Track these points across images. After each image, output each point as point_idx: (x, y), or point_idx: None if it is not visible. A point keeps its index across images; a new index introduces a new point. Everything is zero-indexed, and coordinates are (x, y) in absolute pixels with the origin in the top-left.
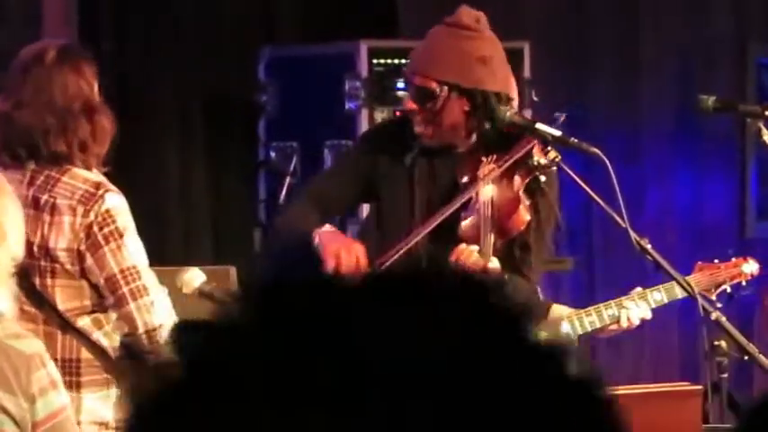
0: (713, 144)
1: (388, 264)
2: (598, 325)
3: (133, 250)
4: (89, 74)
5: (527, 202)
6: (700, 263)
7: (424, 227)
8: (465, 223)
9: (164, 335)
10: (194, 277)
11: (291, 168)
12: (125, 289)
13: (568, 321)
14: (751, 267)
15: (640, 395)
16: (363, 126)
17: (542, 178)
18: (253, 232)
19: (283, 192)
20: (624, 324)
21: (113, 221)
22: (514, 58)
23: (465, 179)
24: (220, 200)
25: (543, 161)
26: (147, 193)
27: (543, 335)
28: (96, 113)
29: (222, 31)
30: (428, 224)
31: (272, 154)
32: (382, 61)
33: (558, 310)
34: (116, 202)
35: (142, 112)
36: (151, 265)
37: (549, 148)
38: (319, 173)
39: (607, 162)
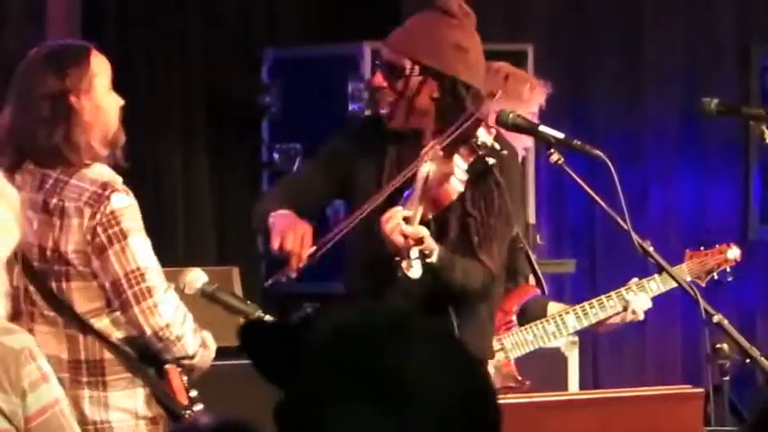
0: (716, 146)
1: (328, 244)
2: (602, 316)
3: (138, 251)
4: (77, 73)
5: (463, 177)
6: (689, 251)
7: (367, 205)
8: (403, 198)
9: (174, 331)
10: (196, 278)
11: (294, 169)
12: (129, 293)
13: (573, 313)
14: (734, 253)
15: (642, 398)
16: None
17: (491, 161)
18: (256, 233)
19: None
20: (629, 316)
21: (117, 223)
22: (518, 60)
23: None
24: (223, 201)
25: (489, 142)
26: (150, 194)
27: (550, 329)
28: (74, 113)
29: (225, 32)
30: (372, 201)
31: (276, 155)
32: None
33: (556, 307)
34: (122, 203)
35: (146, 112)
36: None
37: (552, 150)
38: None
39: (610, 164)
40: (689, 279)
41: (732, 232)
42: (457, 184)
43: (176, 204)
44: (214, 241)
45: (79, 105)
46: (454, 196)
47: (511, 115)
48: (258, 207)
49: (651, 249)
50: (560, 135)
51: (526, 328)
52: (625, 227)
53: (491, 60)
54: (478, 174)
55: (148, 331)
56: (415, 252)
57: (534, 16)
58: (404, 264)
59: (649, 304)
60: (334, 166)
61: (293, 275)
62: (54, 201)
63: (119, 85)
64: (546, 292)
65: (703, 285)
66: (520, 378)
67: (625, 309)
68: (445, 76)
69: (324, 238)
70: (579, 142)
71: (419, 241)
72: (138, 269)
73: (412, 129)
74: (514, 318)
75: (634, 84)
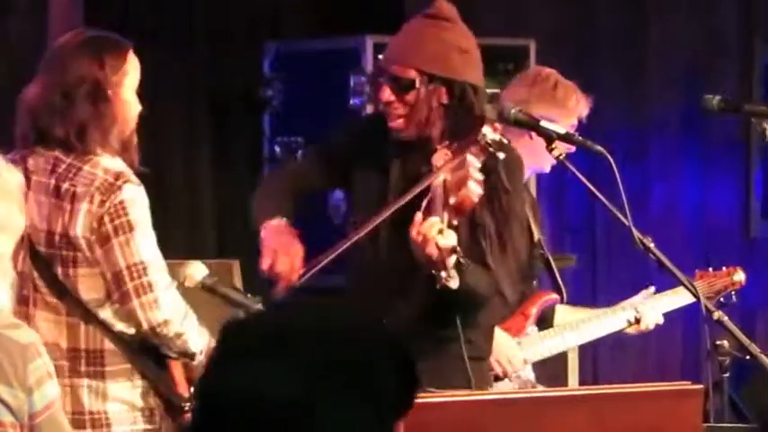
0: (718, 143)
1: (318, 266)
2: (617, 328)
3: (142, 245)
4: (112, 63)
5: (479, 177)
6: (698, 271)
7: (377, 217)
8: (423, 208)
9: (172, 329)
10: (197, 271)
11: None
12: (129, 285)
13: (590, 322)
14: (740, 276)
15: (641, 394)
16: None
17: (500, 155)
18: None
19: None
20: (633, 329)
21: (125, 213)
22: (520, 56)
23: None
24: (224, 194)
25: (496, 137)
26: (151, 187)
27: (568, 335)
28: (104, 100)
29: (228, 25)
30: (381, 214)
31: (277, 149)
32: None
33: (563, 311)
34: (132, 194)
35: (147, 105)
36: None
37: (554, 145)
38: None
39: (612, 160)
40: None
41: (734, 229)
42: (475, 186)
43: (177, 197)
44: (215, 234)
45: (110, 95)
46: (476, 198)
47: (513, 110)
48: (256, 201)
49: (652, 245)
50: (562, 130)
51: (546, 334)
52: (626, 223)
53: (490, 55)
54: (488, 172)
55: (145, 325)
56: (451, 261)
57: (536, 12)
58: (443, 275)
59: (661, 320)
60: (335, 162)
61: (282, 295)
62: (66, 185)
63: None
64: (565, 298)
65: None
66: (534, 384)
67: (638, 321)
68: (454, 81)
69: (316, 259)
70: (581, 138)
71: (452, 250)
72: (142, 262)
73: (421, 136)
74: (533, 322)
75: (636, 80)
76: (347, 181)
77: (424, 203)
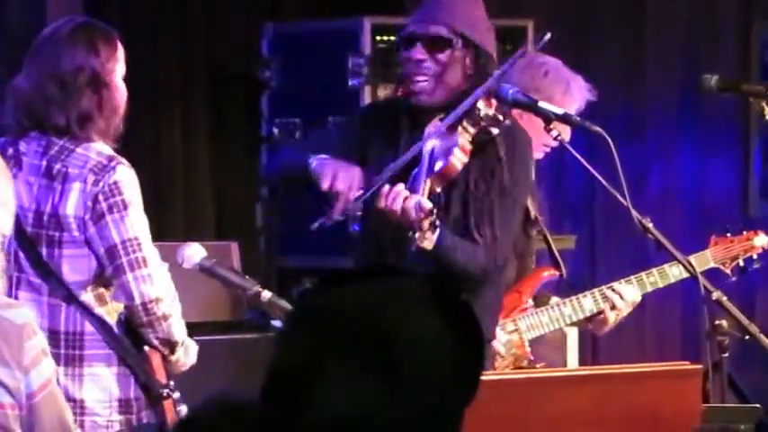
0: (717, 122)
1: (371, 190)
2: (595, 309)
3: (136, 223)
4: (106, 51)
5: (467, 147)
6: (714, 236)
7: (377, 181)
8: (412, 175)
9: (162, 308)
10: (195, 252)
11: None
12: (124, 259)
13: (591, 297)
14: (762, 240)
15: (640, 374)
16: (366, 103)
17: (494, 131)
18: (255, 208)
19: None
20: (613, 310)
21: (120, 193)
22: (518, 36)
23: None
24: (222, 175)
25: (490, 112)
26: (149, 168)
27: (566, 311)
28: (105, 88)
29: (226, 6)
30: (380, 179)
31: (275, 130)
32: (385, 38)
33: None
34: (125, 176)
35: (145, 86)
36: (153, 240)
37: (552, 126)
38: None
39: (610, 141)
40: (712, 265)
41: (732, 208)
42: (460, 155)
43: (175, 179)
44: (213, 216)
45: (106, 82)
46: (459, 167)
47: (510, 91)
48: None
49: (651, 226)
50: (560, 111)
51: (542, 311)
52: (625, 203)
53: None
54: (482, 146)
55: (137, 300)
56: (426, 224)
57: None
58: (417, 235)
59: (638, 298)
60: (355, 139)
61: (339, 218)
62: (57, 166)
63: None
64: (564, 274)
65: (729, 272)
66: (532, 359)
67: (613, 308)
68: (482, 51)
69: (370, 181)
70: (579, 118)
71: (429, 213)
72: (136, 239)
73: (440, 106)
74: (530, 299)
75: (634, 60)
76: (363, 161)
77: (413, 173)
